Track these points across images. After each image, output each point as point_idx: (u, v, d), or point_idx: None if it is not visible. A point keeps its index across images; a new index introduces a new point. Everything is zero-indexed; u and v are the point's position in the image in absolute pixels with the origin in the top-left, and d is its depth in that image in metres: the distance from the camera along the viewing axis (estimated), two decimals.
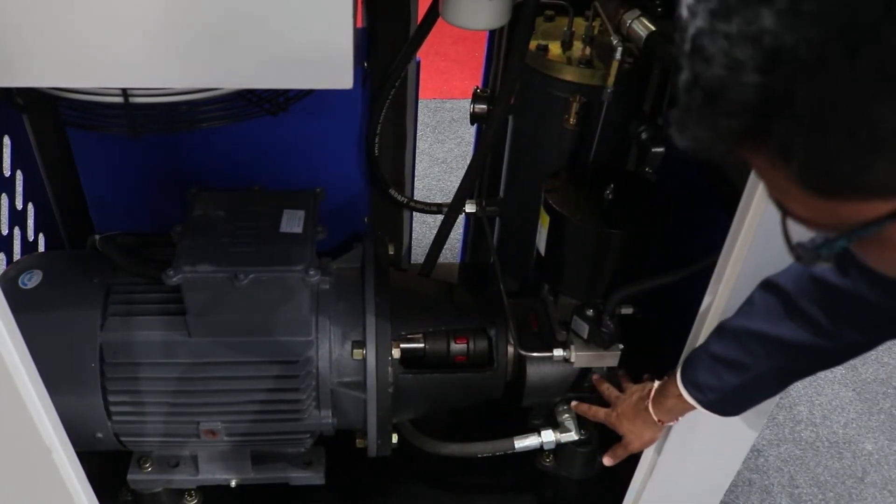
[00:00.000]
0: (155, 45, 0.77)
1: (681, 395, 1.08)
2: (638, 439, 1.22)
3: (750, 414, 1.17)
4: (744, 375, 1.00)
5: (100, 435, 1.29)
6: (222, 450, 1.37)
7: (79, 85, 0.94)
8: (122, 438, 1.32)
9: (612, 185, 1.22)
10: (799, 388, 2.23)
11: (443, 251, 1.59)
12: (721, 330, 1.03)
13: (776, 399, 1.22)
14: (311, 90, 1.20)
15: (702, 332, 1.10)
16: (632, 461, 1.31)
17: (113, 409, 1.27)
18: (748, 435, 1.23)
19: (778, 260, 0.99)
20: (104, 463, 1.40)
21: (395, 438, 1.35)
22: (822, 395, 2.21)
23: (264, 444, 1.37)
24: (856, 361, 2.30)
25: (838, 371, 2.27)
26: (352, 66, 0.80)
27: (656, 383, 1.17)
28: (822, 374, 2.26)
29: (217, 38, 0.77)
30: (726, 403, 1.05)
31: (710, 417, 1.12)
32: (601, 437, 1.50)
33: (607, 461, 1.29)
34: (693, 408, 1.08)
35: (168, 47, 0.78)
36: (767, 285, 0.95)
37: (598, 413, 1.31)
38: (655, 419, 1.16)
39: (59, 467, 1.00)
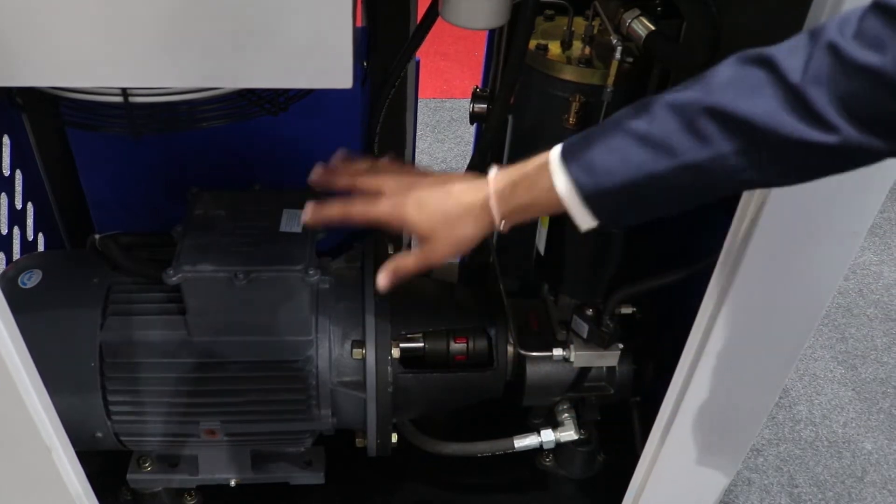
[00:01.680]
0: (155, 44, 0.77)
1: (551, 184, 0.77)
2: (449, 237, 0.86)
3: (749, 413, 1.17)
4: (667, 162, 0.70)
5: (99, 434, 1.30)
6: (222, 449, 1.37)
7: (79, 85, 0.94)
8: (122, 438, 1.32)
9: None
10: (798, 388, 2.23)
11: None
12: (648, 104, 0.72)
13: (775, 398, 1.22)
14: (312, 89, 1.20)
15: (701, 331, 1.10)
16: (631, 461, 1.32)
17: (112, 408, 1.27)
18: (747, 434, 1.23)
19: (778, 260, 0.99)
20: (104, 463, 1.40)
21: (394, 438, 1.35)
22: (822, 394, 2.21)
23: (264, 443, 1.37)
24: (855, 361, 2.30)
25: (837, 370, 2.27)
26: (351, 66, 0.80)
27: (494, 169, 0.85)
28: (821, 374, 2.26)
29: (216, 37, 0.77)
30: (617, 198, 0.74)
31: (710, 416, 1.12)
32: (601, 437, 1.50)
33: (383, 280, 0.91)
34: (548, 209, 0.78)
35: (167, 47, 0.78)
36: (750, 58, 0.67)
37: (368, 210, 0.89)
38: (497, 217, 0.83)
39: (59, 467, 1.01)
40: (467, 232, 0.86)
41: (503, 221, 0.84)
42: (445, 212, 0.85)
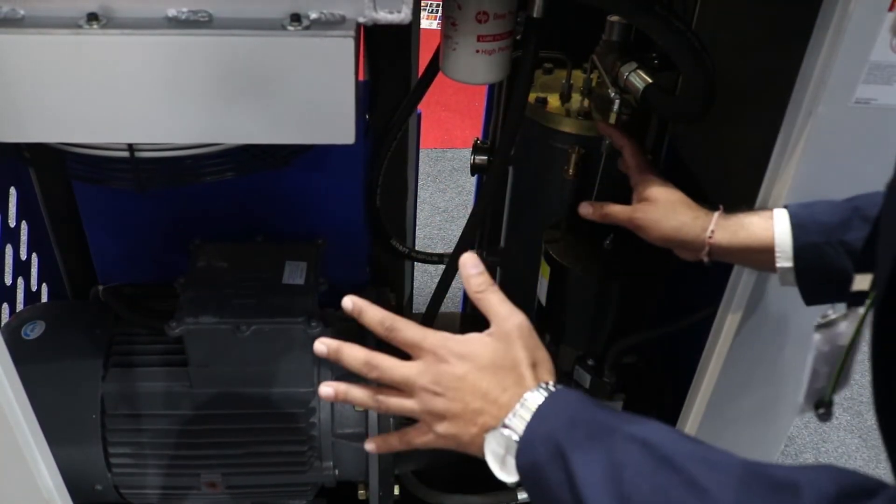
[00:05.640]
0: (160, 103, 0.79)
1: (770, 213, 0.88)
2: (660, 217, 0.99)
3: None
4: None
5: (99, 487, 1.29)
6: (223, 502, 1.36)
7: (85, 141, 0.96)
8: (122, 491, 1.31)
9: (611, 235, 1.23)
10: (804, 435, 2.21)
11: (444, 300, 1.59)
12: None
13: (780, 446, 1.21)
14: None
15: (703, 380, 1.10)
16: None
17: (113, 460, 1.26)
18: None
19: (777, 310, 0.99)
20: None
21: (397, 490, 1.34)
22: (828, 441, 2.19)
23: (265, 496, 1.36)
24: (861, 407, 2.28)
25: (843, 418, 2.25)
26: (354, 123, 0.81)
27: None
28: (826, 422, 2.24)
29: (221, 95, 0.79)
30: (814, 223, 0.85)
31: None
32: None
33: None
34: (752, 247, 0.88)
35: (172, 105, 0.79)
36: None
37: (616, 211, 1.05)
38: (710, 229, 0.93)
39: None
40: (672, 218, 0.97)
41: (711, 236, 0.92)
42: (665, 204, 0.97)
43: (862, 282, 0.76)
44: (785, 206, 0.88)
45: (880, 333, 0.56)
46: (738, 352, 1.04)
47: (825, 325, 0.83)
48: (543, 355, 0.72)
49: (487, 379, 0.68)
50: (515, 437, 0.64)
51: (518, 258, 1.57)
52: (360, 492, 1.36)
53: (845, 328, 0.84)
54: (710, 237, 0.93)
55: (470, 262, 0.75)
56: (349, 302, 0.75)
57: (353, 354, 0.73)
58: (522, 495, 1.39)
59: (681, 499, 0.55)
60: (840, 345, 0.85)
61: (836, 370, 0.74)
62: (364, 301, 0.74)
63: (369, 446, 0.78)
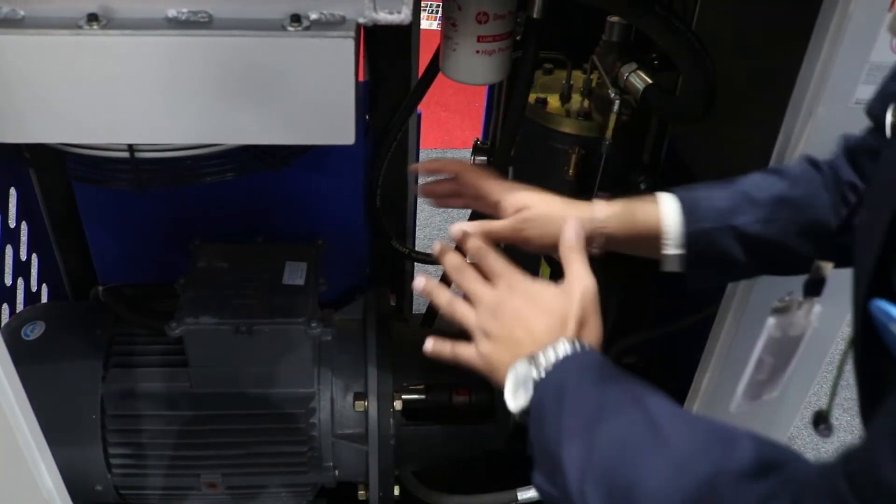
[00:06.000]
0: (160, 103, 0.79)
1: (654, 199, 0.86)
2: (544, 221, 0.92)
3: None
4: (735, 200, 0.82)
5: (99, 488, 1.29)
6: (223, 502, 1.36)
7: (85, 141, 0.96)
8: (122, 491, 1.31)
9: None
10: (804, 436, 2.21)
11: None
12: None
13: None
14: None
15: (704, 379, 1.10)
16: None
17: (113, 461, 1.26)
18: None
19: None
20: None
21: (396, 490, 1.34)
22: (829, 442, 2.19)
23: (266, 496, 1.36)
24: None
25: (843, 418, 2.25)
26: (354, 123, 0.81)
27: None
28: None
29: (221, 96, 0.79)
30: (698, 207, 0.84)
31: None
32: None
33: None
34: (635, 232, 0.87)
35: (172, 106, 0.79)
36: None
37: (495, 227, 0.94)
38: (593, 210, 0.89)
39: None
40: (560, 208, 0.93)
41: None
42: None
43: (821, 270, 0.76)
44: (670, 192, 0.86)
45: (862, 329, 0.56)
46: (738, 352, 1.04)
47: (781, 310, 0.83)
48: (595, 322, 0.78)
49: (539, 319, 0.74)
50: (536, 375, 0.69)
51: (518, 259, 1.57)
52: (360, 492, 1.36)
53: (800, 318, 0.84)
54: (606, 227, 0.89)
55: (573, 227, 0.80)
56: (455, 229, 0.88)
57: (452, 260, 0.83)
58: (522, 496, 1.38)
59: (639, 434, 0.61)
60: (792, 335, 0.85)
61: (831, 384, 0.76)
62: (467, 226, 0.88)
63: (428, 345, 0.81)
